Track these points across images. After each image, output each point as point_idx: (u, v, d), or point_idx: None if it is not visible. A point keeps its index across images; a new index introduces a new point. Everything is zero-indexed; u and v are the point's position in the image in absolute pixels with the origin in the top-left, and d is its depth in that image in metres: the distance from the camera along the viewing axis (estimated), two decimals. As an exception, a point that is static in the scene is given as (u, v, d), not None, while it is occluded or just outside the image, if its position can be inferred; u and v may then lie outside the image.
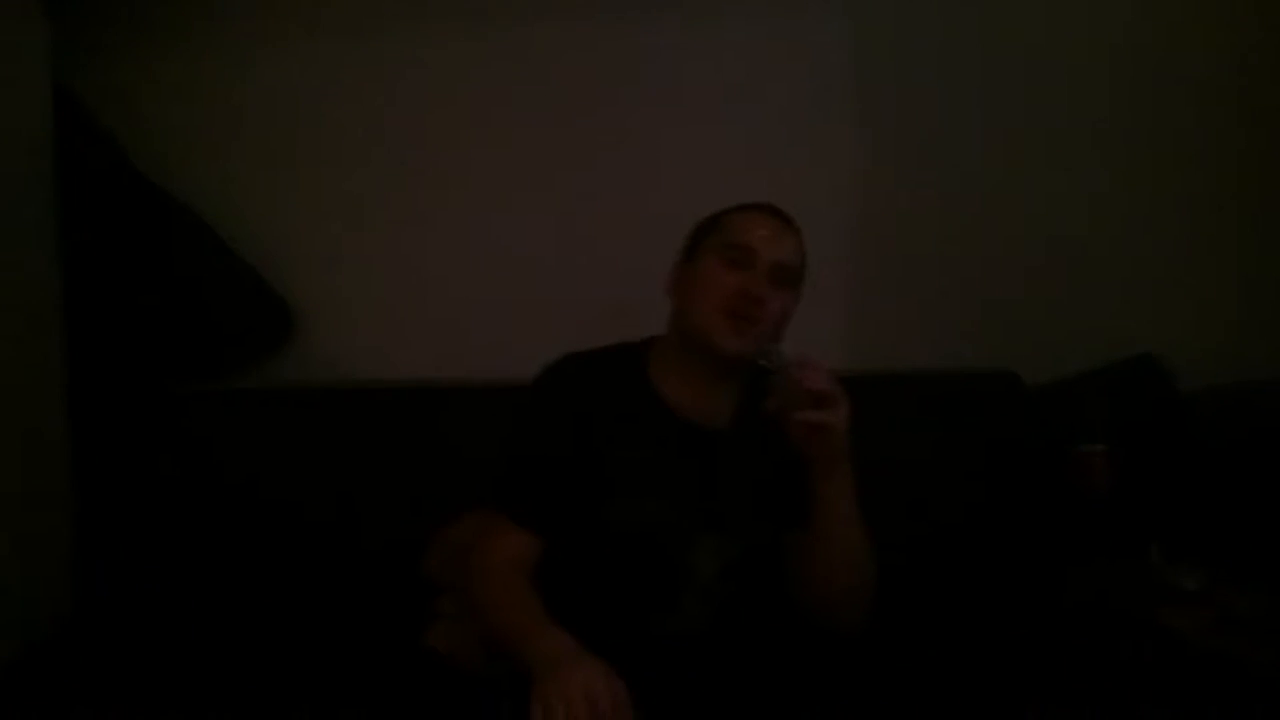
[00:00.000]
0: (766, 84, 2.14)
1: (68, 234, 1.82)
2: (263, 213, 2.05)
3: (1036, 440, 1.98)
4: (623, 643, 1.24)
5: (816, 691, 1.33)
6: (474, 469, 1.45)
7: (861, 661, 1.34)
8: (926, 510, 1.89)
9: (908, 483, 1.84)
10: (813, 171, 2.12)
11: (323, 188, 2.07)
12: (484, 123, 2.09)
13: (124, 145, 1.95)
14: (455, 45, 2.08)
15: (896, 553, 1.41)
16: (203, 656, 1.60)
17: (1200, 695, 1.35)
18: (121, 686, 1.51)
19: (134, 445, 1.86)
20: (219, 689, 1.50)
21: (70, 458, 1.82)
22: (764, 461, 1.41)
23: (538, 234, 2.11)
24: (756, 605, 1.44)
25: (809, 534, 1.37)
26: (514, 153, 2.10)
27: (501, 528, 1.38)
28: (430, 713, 1.41)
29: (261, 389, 1.99)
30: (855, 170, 2.16)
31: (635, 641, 1.32)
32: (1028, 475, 1.95)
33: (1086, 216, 2.21)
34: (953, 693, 1.28)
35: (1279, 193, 2.21)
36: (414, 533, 1.74)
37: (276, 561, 1.82)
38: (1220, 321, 2.20)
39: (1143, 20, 2.20)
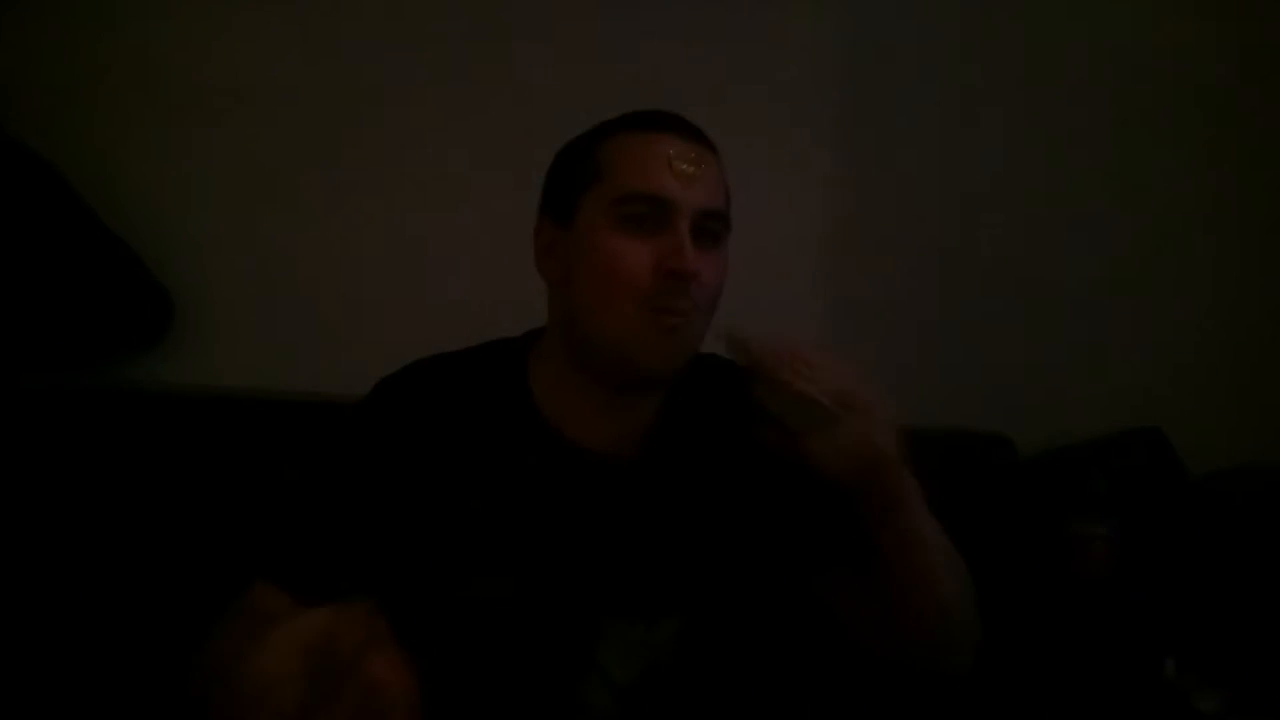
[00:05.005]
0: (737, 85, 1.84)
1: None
2: (144, 189, 1.70)
3: (1029, 515, 1.75)
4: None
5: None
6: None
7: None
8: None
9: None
10: (784, 212, 1.83)
11: (223, 161, 1.73)
12: (406, 96, 1.76)
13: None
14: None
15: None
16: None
17: None
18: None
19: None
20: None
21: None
22: (704, 499, 1.01)
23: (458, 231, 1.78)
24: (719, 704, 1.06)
25: (874, 574, 0.99)
26: (441, 135, 1.77)
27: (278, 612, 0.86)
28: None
29: (121, 388, 1.67)
30: (829, 210, 1.89)
31: None
32: (1019, 554, 1.70)
33: (1096, 267, 1.97)
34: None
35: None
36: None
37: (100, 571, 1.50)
38: (1233, 399, 1.97)
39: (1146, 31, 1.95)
